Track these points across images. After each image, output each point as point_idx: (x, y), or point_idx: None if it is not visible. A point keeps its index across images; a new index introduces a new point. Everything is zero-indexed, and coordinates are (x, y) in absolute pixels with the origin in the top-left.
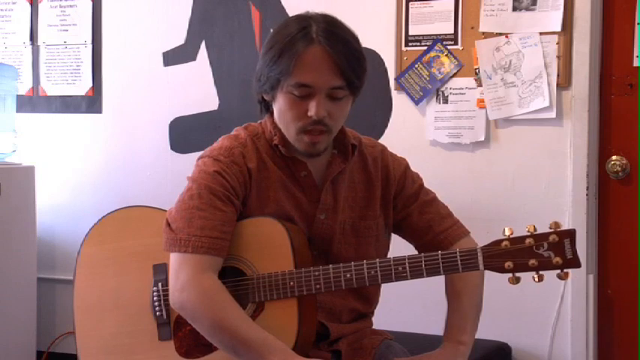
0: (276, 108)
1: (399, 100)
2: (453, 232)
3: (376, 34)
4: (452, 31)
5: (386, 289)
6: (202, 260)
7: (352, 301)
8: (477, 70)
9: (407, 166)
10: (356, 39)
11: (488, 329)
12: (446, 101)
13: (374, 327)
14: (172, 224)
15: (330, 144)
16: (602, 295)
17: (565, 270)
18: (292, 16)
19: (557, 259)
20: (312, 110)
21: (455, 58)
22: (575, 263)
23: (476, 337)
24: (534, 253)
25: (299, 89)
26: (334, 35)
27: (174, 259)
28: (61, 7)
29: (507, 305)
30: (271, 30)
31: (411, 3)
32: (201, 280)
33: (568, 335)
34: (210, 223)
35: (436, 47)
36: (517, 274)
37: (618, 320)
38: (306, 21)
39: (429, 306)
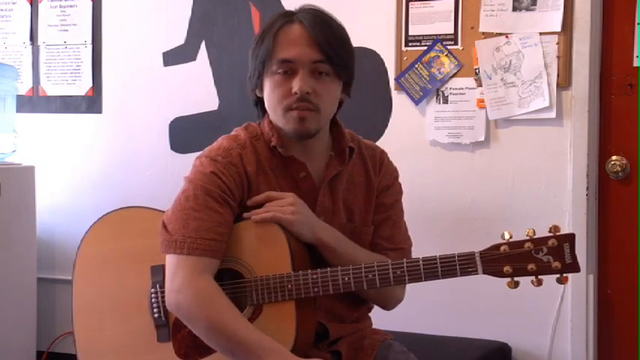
0: (265, 97)
1: (399, 100)
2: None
3: (376, 34)
4: (452, 31)
5: None
6: (198, 262)
7: (353, 302)
8: (477, 70)
9: (396, 177)
10: (340, 26)
11: (488, 329)
12: (446, 101)
13: (374, 327)
14: (168, 225)
15: (329, 144)
16: (602, 295)
17: (564, 274)
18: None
19: (557, 264)
20: (295, 86)
21: (455, 58)
22: (574, 268)
23: (476, 337)
24: (533, 257)
25: (281, 66)
26: (315, 17)
27: (170, 261)
28: (61, 7)
29: (507, 305)
30: None
31: (411, 3)
32: (197, 282)
33: (568, 335)
34: (205, 224)
35: (436, 47)
36: (516, 279)
37: (618, 320)
38: (291, 11)
39: (429, 306)
